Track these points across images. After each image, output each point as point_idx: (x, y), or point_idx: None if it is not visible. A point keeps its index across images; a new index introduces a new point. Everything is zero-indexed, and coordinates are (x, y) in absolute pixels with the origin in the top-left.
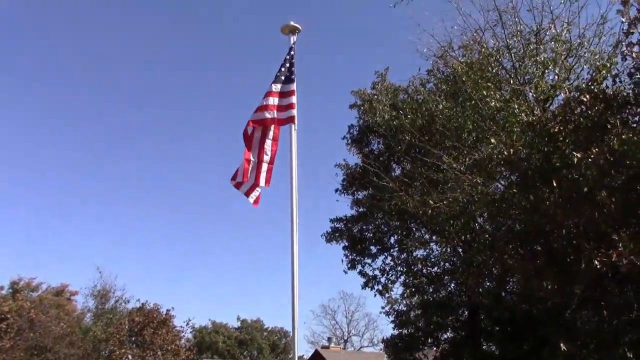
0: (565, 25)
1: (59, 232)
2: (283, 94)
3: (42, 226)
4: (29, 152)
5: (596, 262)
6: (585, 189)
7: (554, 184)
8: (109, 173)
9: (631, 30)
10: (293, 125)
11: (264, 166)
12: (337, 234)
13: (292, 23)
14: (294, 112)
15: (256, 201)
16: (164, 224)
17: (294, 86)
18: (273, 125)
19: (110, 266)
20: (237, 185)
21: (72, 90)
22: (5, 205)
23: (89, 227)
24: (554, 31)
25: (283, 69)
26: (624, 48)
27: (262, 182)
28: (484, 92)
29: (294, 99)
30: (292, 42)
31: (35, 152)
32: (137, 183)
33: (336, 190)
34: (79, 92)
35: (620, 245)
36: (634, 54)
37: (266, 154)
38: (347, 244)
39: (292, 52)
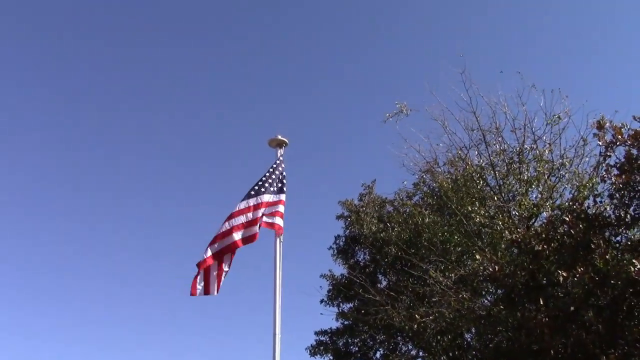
0: (547, 146)
1: None
2: (270, 204)
3: None
4: None
5: None
6: (572, 308)
7: (541, 302)
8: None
9: (608, 154)
10: (279, 238)
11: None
12: (322, 348)
13: (279, 137)
14: (282, 221)
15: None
16: (140, 330)
17: (283, 197)
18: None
19: None
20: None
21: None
22: None
23: None
24: (536, 151)
25: (271, 181)
26: (603, 171)
27: (213, 290)
28: (469, 208)
29: (282, 208)
30: (279, 154)
31: None
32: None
33: (321, 301)
34: None
35: None
36: (612, 177)
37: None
38: (331, 358)
39: (282, 165)
